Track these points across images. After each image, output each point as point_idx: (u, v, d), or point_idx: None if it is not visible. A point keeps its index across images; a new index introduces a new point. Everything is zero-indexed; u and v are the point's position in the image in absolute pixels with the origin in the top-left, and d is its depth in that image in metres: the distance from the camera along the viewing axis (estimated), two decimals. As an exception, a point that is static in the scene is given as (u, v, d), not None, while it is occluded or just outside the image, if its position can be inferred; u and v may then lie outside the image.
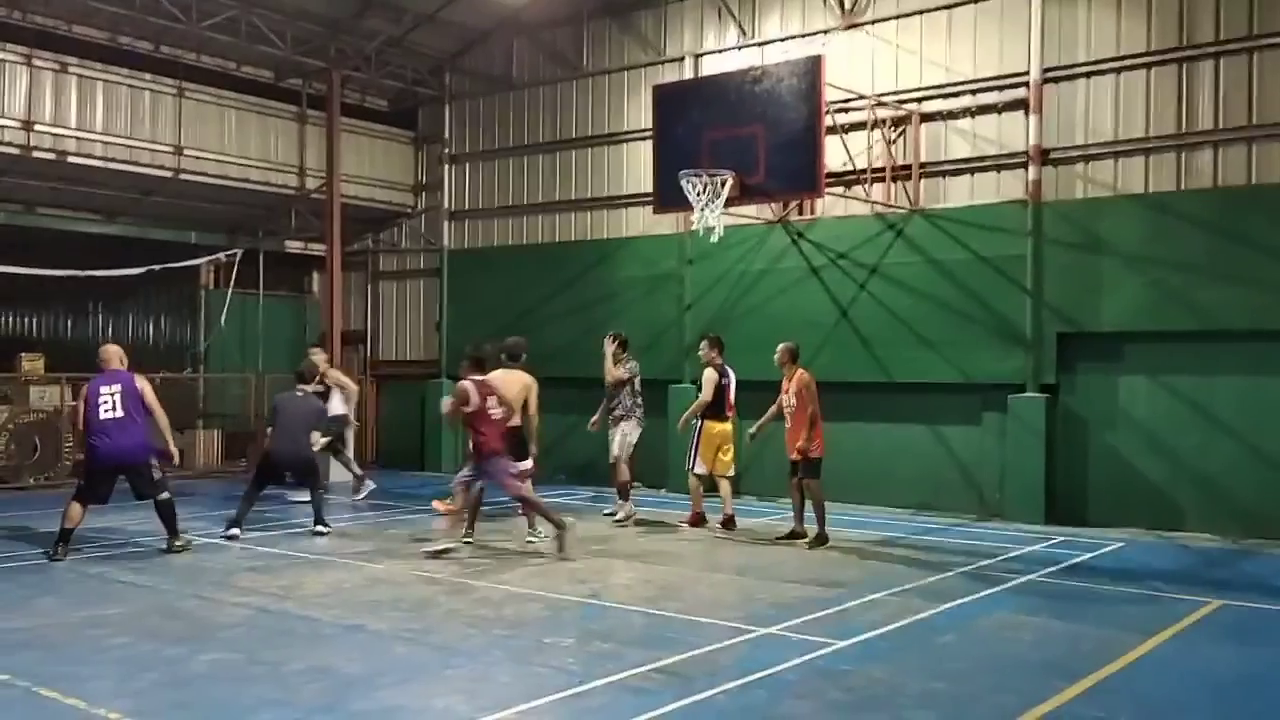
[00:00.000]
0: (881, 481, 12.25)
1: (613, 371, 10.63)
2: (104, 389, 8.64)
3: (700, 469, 10.40)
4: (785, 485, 10.07)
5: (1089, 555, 9.33)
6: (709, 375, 10.36)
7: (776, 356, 9.76)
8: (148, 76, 14.21)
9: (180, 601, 7.19)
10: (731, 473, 10.49)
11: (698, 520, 10.44)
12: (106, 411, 8.54)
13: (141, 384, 8.74)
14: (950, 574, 8.40)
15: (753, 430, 10.00)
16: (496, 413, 8.86)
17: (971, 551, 9.49)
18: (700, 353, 10.61)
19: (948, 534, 10.58)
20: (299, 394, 10.34)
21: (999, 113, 11.81)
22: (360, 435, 15.84)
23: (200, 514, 11.59)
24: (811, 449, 9.45)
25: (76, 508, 8.62)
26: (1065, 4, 11.38)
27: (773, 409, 9.84)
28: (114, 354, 8.89)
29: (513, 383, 9.69)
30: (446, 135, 16.54)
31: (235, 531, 9.74)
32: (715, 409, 10.34)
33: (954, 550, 9.59)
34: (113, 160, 13.79)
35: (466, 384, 8.81)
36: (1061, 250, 11.23)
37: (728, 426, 10.39)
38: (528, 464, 9.55)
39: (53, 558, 8.55)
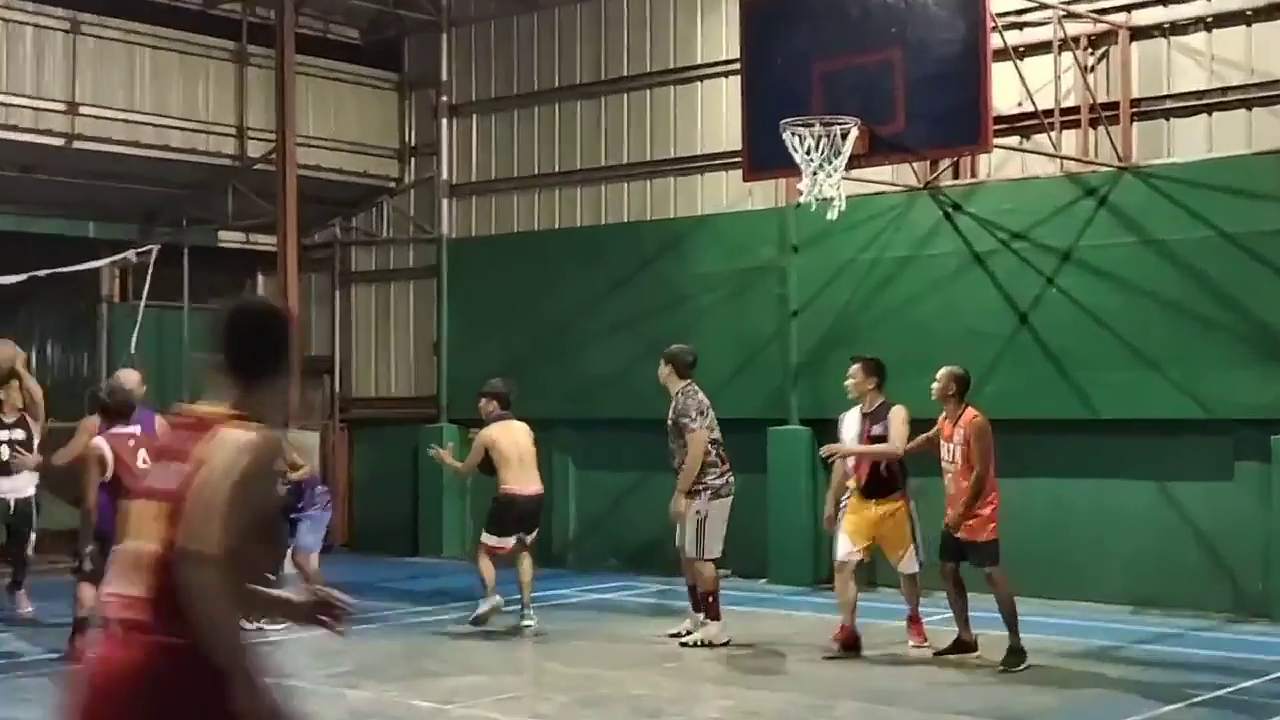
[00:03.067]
0: (1084, 565, 12.08)
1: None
2: None
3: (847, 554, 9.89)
4: (933, 574, 9.79)
5: (1402, 672, 9.10)
6: (899, 415, 9.77)
7: (937, 386, 9.50)
8: (29, 7, 14.48)
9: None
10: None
11: (851, 639, 9.77)
12: None
13: None
14: (1196, 702, 8.25)
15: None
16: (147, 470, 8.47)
17: (1225, 668, 9.30)
18: (851, 383, 9.99)
19: (1186, 642, 10.40)
20: None
21: (1248, 23, 11.65)
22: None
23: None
24: (984, 530, 9.19)
25: None
26: None
27: (913, 444, 9.69)
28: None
29: (523, 437, 10.80)
30: (444, 77, 16.67)
31: None
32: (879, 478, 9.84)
33: (1198, 665, 9.44)
34: (-21, 125, 14.15)
35: (100, 441, 8.75)
36: (1347, 222, 11.09)
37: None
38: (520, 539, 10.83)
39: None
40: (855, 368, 9.97)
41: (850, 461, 9.87)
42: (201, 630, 3.22)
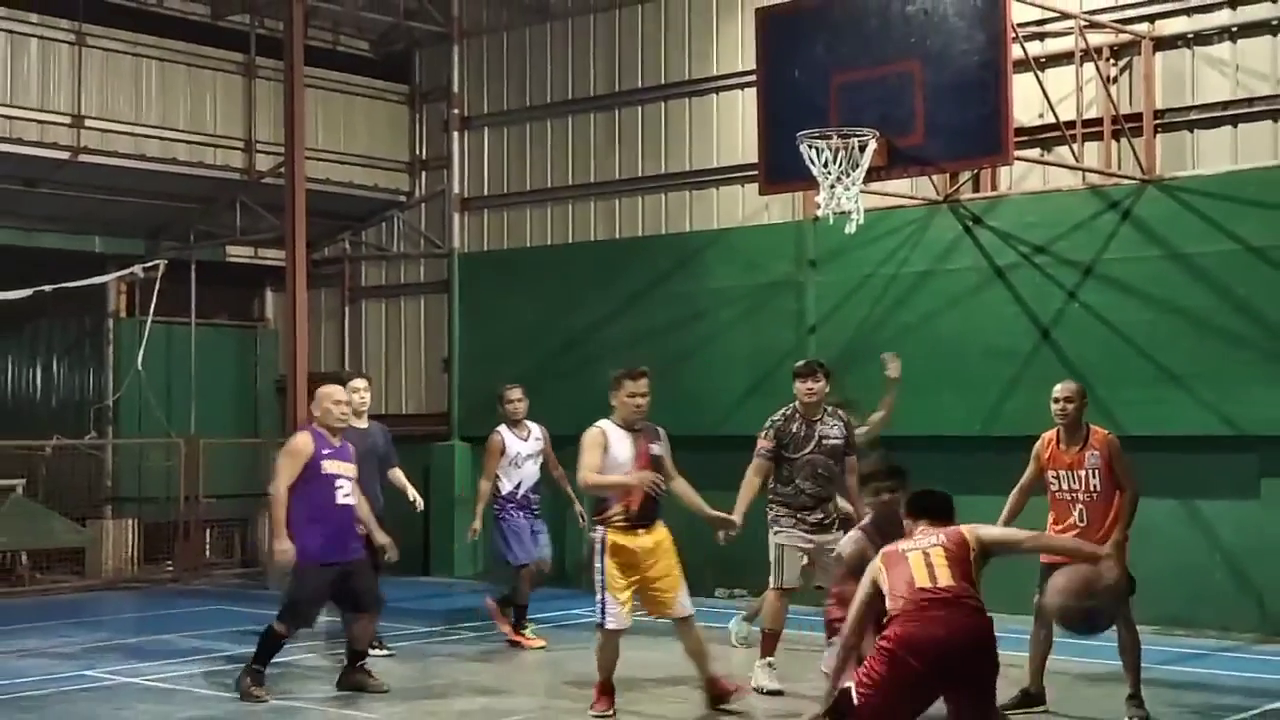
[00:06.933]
0: (1108, 585, 12.06)
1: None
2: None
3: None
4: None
5: None
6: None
7: (1071, 406, 8.53)
8: (34, 18, 14.68)
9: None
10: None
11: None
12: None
13: None
14: (1222, 724, 8.27)
15: None
16: None
17: (1252, 689, 9.32)
18: (645, 401, 8.72)
19: (1212, 663, 10.40)
20: (356, 421, 10.09)
21: (1274, 33, 11.70)
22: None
23: (111, 640, 11.83)
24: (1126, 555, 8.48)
25: None
26: None
27: (1014, 501, 8.83)
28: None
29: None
30: (455, 89, 16.83)
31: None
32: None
33: (1223, 687, 9.42)
34: (-16, 138, 14.32)
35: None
36: (1375, 235, 11.12)
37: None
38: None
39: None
40: (645, 381, 8.72)
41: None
42: None
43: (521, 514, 11.28)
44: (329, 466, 9.13)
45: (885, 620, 6.34)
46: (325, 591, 9.12)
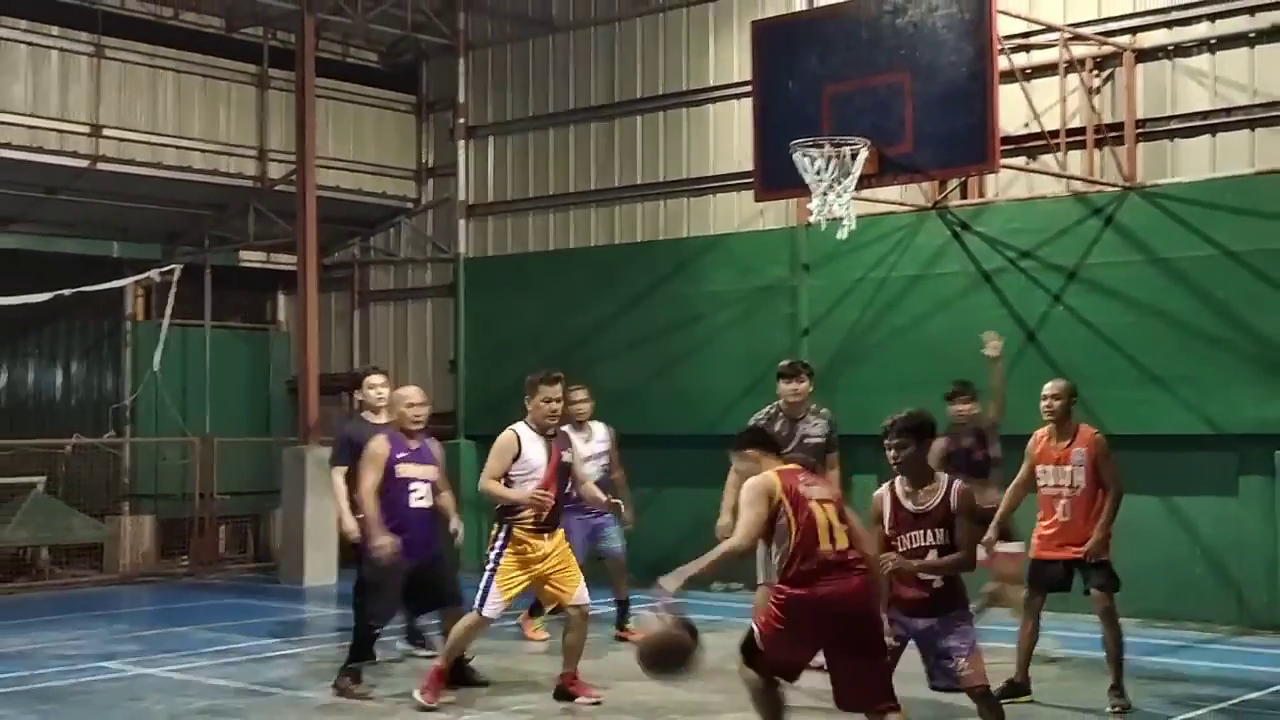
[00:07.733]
0: (1092, 579, 12.09)
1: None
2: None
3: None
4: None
5: (1405, 685, 9.14)
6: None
7: (1058, 404, 8.53)
8: (54, 31, 14.77)
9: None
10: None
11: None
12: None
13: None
14: (1200, 714, 8.29)
15: (990, 536, 8.71)
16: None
17: (1230, 680, 9.34)
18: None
19: (1192, 654, 10.45)
20: (376, 422, 9.80)
21: (1251, 45, 11.75)
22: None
23: (129, 633, 11.89)
24: (1109, 548, 8.52)
25: None
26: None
27: (1010, 497, 8.85)
28: None
29: None
30: (461, 99, 16.89)
31: None
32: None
33: (1202, 678, 9.47)
34: (6, 147, 14.29)
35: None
36: (1350, 240, 11.14)
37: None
38: None
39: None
40: (560, 387, 8.87)
41: (536, 480, 8.53)
42: None
43: (574, 515, 10.40)
44: (404, 470, 8.97)
45: (785, 569, 6.45)
46: (400, 575, 8.90)
